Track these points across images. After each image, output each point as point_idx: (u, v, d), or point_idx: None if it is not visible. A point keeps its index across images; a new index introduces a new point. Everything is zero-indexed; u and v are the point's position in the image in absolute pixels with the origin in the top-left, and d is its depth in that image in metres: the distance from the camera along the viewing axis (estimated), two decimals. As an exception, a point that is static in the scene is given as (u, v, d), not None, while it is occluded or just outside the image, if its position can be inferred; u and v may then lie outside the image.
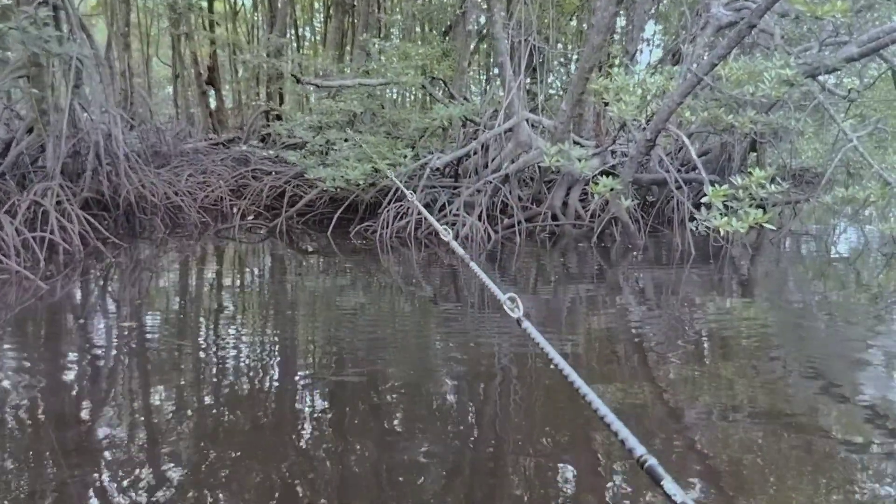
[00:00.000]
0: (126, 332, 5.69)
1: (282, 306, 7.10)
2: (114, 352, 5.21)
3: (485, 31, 15.37)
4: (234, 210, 11.70)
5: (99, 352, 5.22)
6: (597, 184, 8.81)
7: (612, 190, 8.92)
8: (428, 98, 12.06)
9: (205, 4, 25.59)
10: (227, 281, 8.25)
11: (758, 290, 8.46)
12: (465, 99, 13.53)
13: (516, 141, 11.63)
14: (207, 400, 4.33)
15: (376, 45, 11.45)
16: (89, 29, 11.58)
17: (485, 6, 11.65)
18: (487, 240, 10.43)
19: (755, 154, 13.37)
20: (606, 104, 9.17)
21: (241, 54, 19.85)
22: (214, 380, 4.69)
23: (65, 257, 8.28)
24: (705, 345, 5.99)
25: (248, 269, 9.11)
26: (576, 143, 13.24)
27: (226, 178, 13.72)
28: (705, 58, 8.73)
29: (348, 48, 21.26)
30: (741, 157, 12.93)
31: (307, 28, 28.60)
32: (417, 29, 18.50)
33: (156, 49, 28.51)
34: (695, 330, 6.45)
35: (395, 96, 11.71)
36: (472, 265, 2.37)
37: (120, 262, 8.56)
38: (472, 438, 3.89)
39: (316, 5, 27.75)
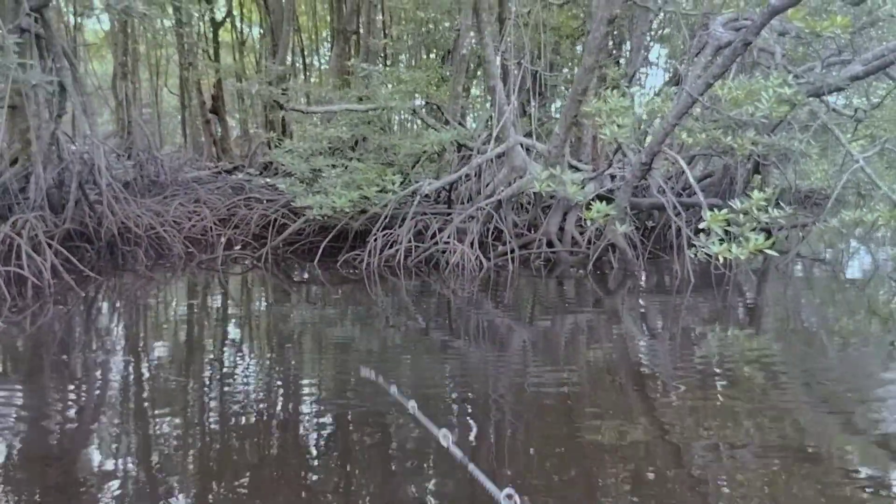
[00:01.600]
0: (80, 369, 5.32)
1: (254, 339, 6.74)
2: (53, 392, 4.83)
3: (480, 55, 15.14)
4: (222, 240, 11.36)
5: (34, 390, 4.84)
6: (590, 209, 8.43)
7: (606, 215, 8.54)
8: (419, 124, 11.76)
9: (210, 34, 25.63)
10: (200, 315, 7.88)
11: (763, 317, 8.01)
12: (460, 124, 13.23)
13: (510, 166, 11.28)
14: (193, 434, 4.02)
15: (365, 70, 11.18)
16: (72, 58, 11.37)
17: (476, 30, 11.38)
18: (479, 268, 10.03)
19: (759, 176, 12.94)
20: (602, 126, 8.80)
21: (244, 83, 19.72)
22: (188, 415, 4.43)
23: (34, 292, 7.94)
24: (709, 376, 5.61)
25: (225, 301, 8.74)
26: (572, 166, 12.89)
27: (217, 207, 13.44)
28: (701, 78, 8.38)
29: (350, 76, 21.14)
30: (744, 180, 12.51)
31: (315, 56, 28.55)
32: (424, 55, 18.29)
33: (165, 79, 28.56)
34: (697, 361, 6.08)
35: (390, 121, 11.41)
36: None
37: (91, 295, 8.22)
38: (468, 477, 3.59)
39: (323, 33, 27.73)
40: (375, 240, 10.05)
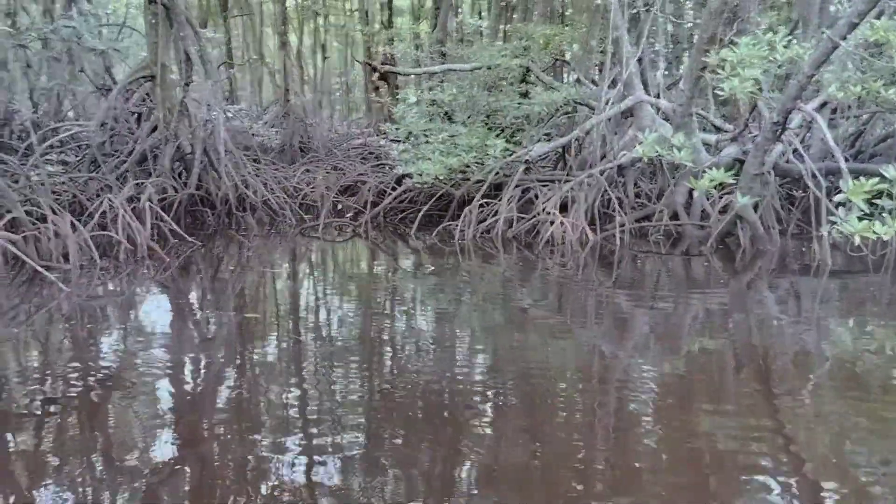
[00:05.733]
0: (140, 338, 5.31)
1: (339, 308, 6.65)
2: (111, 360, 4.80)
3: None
4: (326, 207, 11.29)
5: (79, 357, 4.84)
6: (704, 179, 7.23)
7: (724, 185, 7.31)
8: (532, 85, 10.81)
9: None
10: (285, 282, 7.79)
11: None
12: (593, 82, 12.09)
13: (638, 126, 10.08)
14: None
15: (473, 26, 10.43)
16: (196, 26, 11.69)
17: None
18: (585, 242, 9.06)
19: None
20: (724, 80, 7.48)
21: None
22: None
23: (125, 257, 8.22)
24: (854, 375, 4.74)
25: (315, 269, 8.62)
26: (715, 127, 11.37)
27: (349, 174, 13.44)
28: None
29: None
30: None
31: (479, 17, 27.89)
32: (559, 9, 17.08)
33: (353, 49, 29.23)
34: (834, 356, 5.15)
35: (503, 82, 10.60)
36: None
37: (180, 261, 8.38)
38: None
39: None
40: (470, 210, 9.41)
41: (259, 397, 4.27)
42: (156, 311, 6.51)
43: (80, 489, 3.16)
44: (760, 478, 3.30)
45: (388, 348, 5.39)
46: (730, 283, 7.64)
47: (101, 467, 3.37)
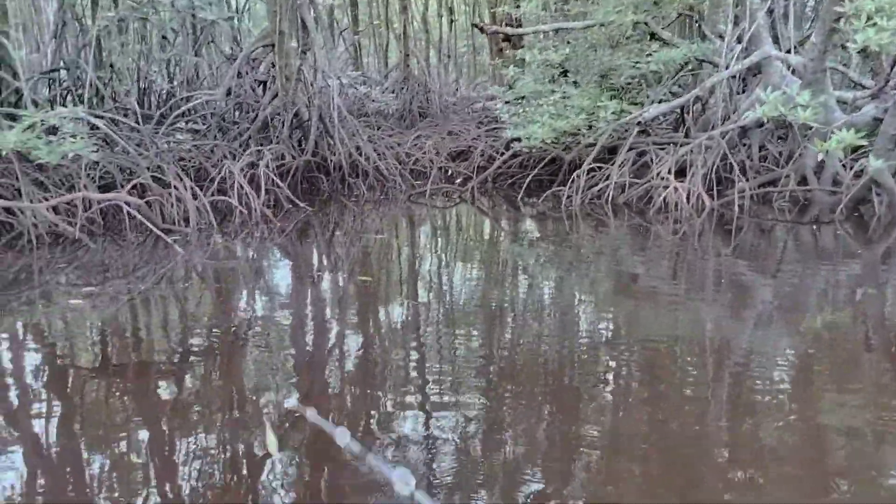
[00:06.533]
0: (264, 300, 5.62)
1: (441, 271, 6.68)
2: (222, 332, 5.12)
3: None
4: (449, 172, 11.31)
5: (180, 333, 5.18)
6: (831, 140, 6.67)
7: (856, 148, 6.70)
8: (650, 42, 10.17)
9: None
10: (393, 247, 7.94)
11: None
12: (720, 38, 11.29)
13: (766, 83, 9.35)
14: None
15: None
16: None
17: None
18: (701, 208, 8.58)
19: None
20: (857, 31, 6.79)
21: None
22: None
23: (241, 222, 8.59)
24: None
25: (423, 235, 8.71)
26: (855, 84, 10.41)
27: (462, 137, 13.37)
28: None
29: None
30: None
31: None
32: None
33: (479, 11, 28.95)
34: None
35: (619, 40, 10.08)
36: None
37: (281, 227, 8.62)
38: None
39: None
40: (579, 175, 9.12)
41: (378, 357, 4.43)
42: (271, 273, 6.86)
43: (215, 435, 3.42)
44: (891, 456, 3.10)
45: (503, 313, 5.39)
46: (862, 254, 7.04)
47: (231, 415, 3.65)
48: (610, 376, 4.11)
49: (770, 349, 4.44)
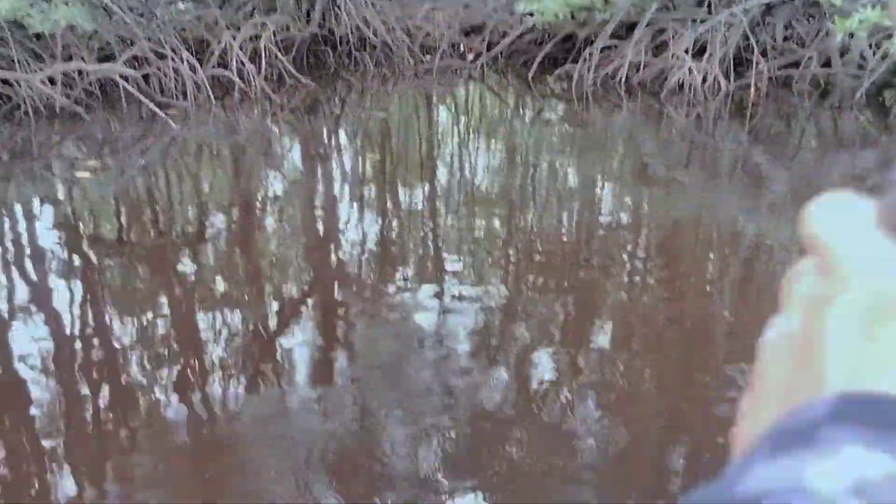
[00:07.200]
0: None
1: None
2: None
3: None
4: (460, 48, 10.89)
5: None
6: (852, 19, 6.30)
7: (873, 27, 6.31)
8: None
9: None
10: (396, 125, 7.81)
11: None
12: None
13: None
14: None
15: None
16: None
17: None
18: (717, 90, 8.26)
19: None
20: None
21: None
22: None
23: (240, 97, 8.40)
24: None
25: (427, 112, 8.53)
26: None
27: (479, 9, 12.78)
28: None
29: None
30: None
31: None
32: None
33: None
34: None
35: None
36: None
37: (284, 103, 8.45)
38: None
39: None
40: (591, 53, 8.75)
41: (391, 235, 4.50)
42: (272, 148, 6.78)
43: (234, 307, 3.54)
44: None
45: (512, 196, 5.38)
46: (880, 141, 6.81)
47: (249, 288, 3.81)
48: (625, 259, 4.21)
49: (783, 236, 4.38)
